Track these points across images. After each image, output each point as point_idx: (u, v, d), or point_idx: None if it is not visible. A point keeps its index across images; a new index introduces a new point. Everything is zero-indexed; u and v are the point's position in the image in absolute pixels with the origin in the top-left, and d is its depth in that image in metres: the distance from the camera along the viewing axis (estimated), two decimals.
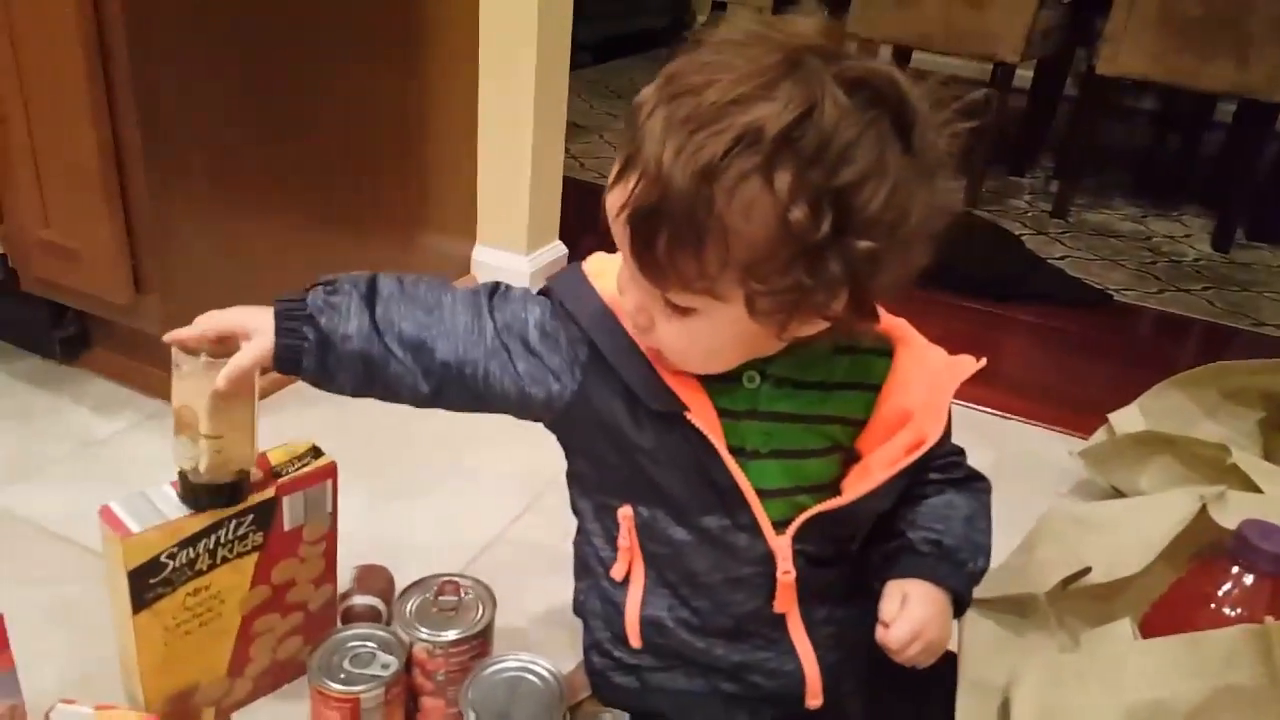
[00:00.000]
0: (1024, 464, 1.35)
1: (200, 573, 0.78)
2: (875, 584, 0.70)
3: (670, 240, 0.55)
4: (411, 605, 0.84)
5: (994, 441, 1.40)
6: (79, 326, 1.35)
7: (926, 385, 0.68)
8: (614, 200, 0.58)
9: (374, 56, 1.41)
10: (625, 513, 0.71)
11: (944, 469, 0.73)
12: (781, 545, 0.68)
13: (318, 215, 1.39)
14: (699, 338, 0.61)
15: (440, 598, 0.85)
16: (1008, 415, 1.48)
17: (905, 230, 0.56)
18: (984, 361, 0.69)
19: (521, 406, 0.70)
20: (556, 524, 1.14)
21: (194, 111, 1.15)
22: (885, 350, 0.69)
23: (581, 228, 1.88)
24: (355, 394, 0.71)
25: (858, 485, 0.68)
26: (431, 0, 1.47)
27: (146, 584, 0.75)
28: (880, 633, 0.67)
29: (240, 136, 1.23)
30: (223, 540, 0.78)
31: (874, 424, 0.69)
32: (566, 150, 1.76)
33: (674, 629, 0.73)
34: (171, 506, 0.76)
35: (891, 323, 0.70)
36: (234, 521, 0.78)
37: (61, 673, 0.86)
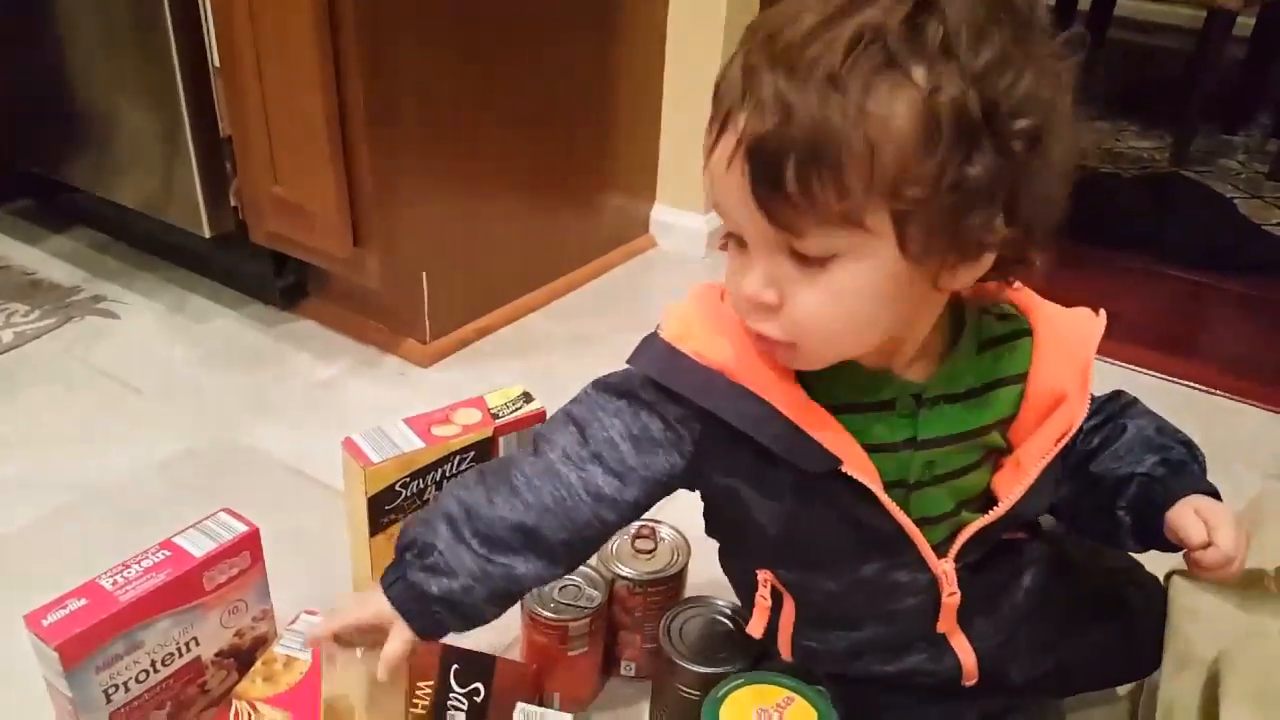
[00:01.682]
0: (1234, 444, 1.28)
1: (427, 502, 0.85)
2: (1129, 541, 0.68)
3: (801, 166, 0.49)
4: (613, 545, 0.89)
5: (1201, 420, 1.31)
6: (298, 276, 1.47)
7: (1067, 359, 0.63)
8: (719, 156, 0.53)
9: (572, 21, 1.45)
10: (764, 576, 0.68)
11: (1106, 407, 0.71)
12: (946, 569, 0.64)
13: (514, 175, 1.46)
14: (844, 297, 0.53)
15: (638, 540, 0.90)
16: (1214, 391, 1.40)
17: (1055, 117, 0.51)
18: (1103, 314, 0.65)
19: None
20: None
21: (412, 78, 1.23)
22: (1024, 329, 0.64)
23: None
24: (513, 604, 0.68)
25: (1012, 487, 0.64)
26: None
27: (382, 509, 0.82)
28: (1201, 556, 0.63)
29: (450, 101, 1.30)
30: (448, 474, 0.84)
31: (1025, 413, 0.64)
32: None
33: (827, 656, 0.71)
34: (406, 441, 0.82)
35: (1020, 293, 0.65)
36: (458, 457, 0.84)
37: (298, 590, 0.94)
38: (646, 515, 0.91)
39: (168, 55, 1.24)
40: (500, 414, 0.87)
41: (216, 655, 0.80)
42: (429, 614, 0.63)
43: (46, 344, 1.36)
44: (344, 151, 1.21)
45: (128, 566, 0.73)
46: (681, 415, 0.62)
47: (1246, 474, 1.18)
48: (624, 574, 0.86)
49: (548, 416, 0.90)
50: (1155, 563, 0.76)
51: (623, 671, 0.90)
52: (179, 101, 1.26)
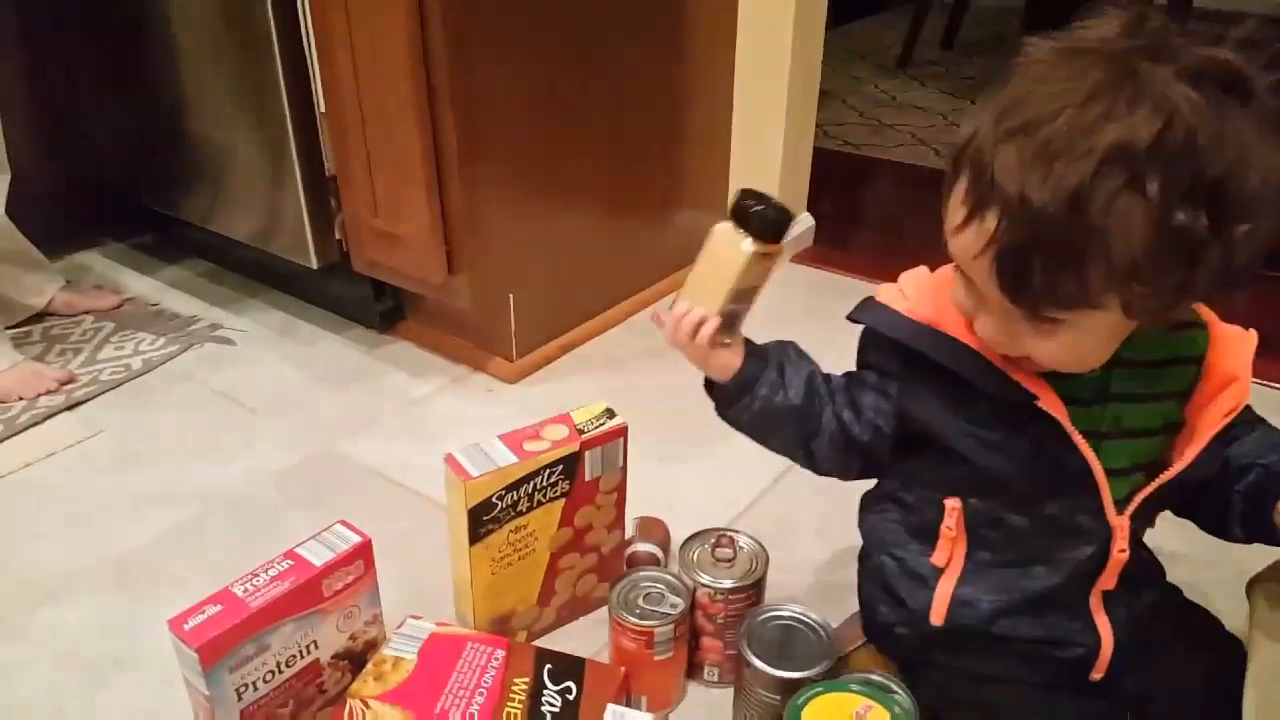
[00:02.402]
0: None
1: (520, 513, 0.91)
2: (1236, 529, 0.74)
3: (1046, 269, 0.57)
4: (694, 554, 0.94)
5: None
6: (395, 301, 1.56)
7: (1235, 351, 0.71)
8: (967, 242, 0.60)
9: (643, 44, 1.51)
10: (953, 504, 0.75)
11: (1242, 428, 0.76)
12: (1122, 524, 0.71)
13: (592, 196, 1.53)
14: (1075, 348, 0.63)
15: (718, 549, 0.95)
16: None
17: (1277, 202, 0.57)
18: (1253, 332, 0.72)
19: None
20: (812, 485, 1.21)
21: (497, 115, 1.31)
22: (1200, 322, 0.72)
23: (828, 197, 1.91)
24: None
25: (1187, 451, 0.70)
26: None
27: (480, 520, 0.89)
28: None
29: (530, 132, 1.37)
30: (538, 486, 0.91)
31: (1201, 392, 0.71)
32: None
33: (986, 608, 0.76)
34: (501, 456, 0.89)
35: None
36: (548, 470, 0.91)
37: (401, 595, 1.02)
38: (725, 525, 0.98)
39: (279, 102, 1.35)
40: (586, 429, 0.94)
41: (333, 657, 0.88)
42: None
43: (172, 368, 1.48)
44: (438, 185, 1.30)
45: (256, 575, 0.81)
46: (885, 361, 0.74)
47: None
48: (705, 582, 0.91)
49: (628, 432, 0.97)
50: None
51: (706, 676, 0.96)
52: (289, 144, 1.37)
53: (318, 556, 0.83)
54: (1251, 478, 0.73)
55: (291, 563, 0.82)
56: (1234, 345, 0.71)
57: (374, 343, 1.56)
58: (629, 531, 1.06)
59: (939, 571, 0.78)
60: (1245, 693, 0.71)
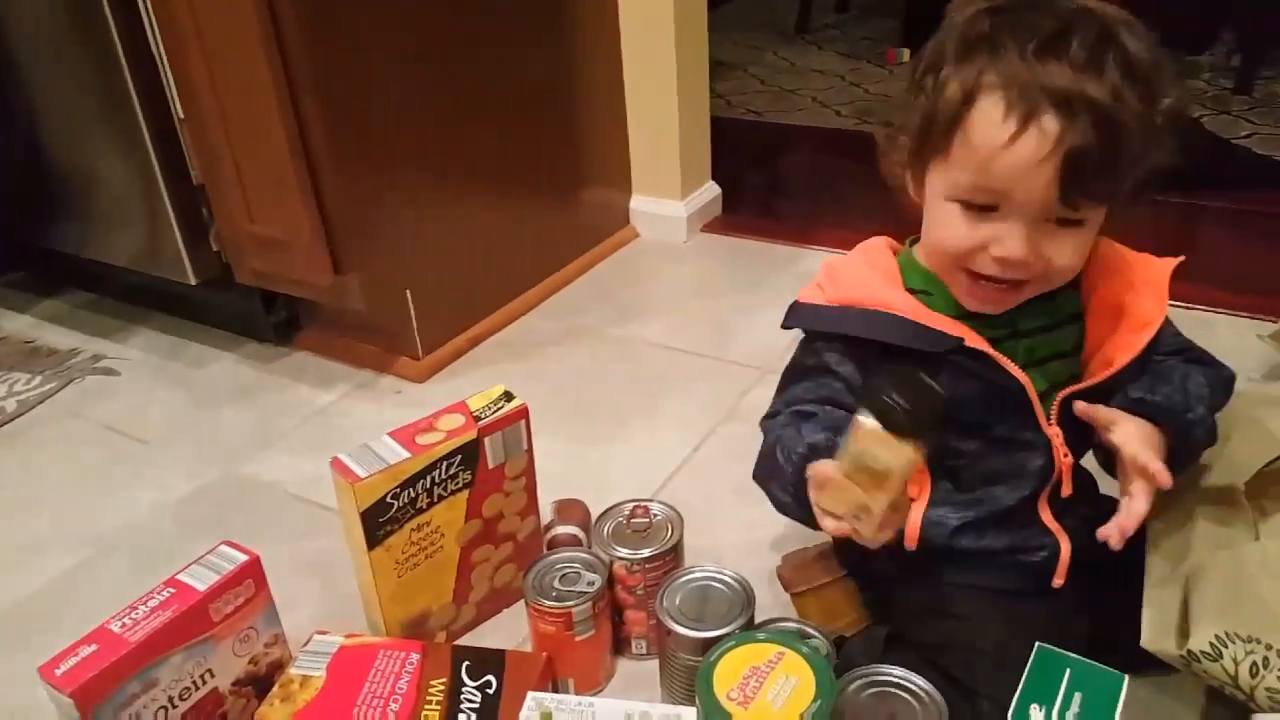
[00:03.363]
0: (1218, 354, 1.29)
1: (421, 510, 0.87)
2: (1098, 456, 0.80)
3: (1108, 168, 0.66)
4: (608, 528, 0.92)
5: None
6: (289, 311, 1.50)
7: (1124, 274, 0.78)
8: (1026, 152, 0.65)
9: (524, 28, 1.48)
10: None
11: (1177, 352, 0.82)
12: (1056, 432, 0.77)
13: (489, 184, 1.49)
14: (1084, 245, 0.72)
15: (633, 520, 0.92)
16: (1192, 305, 1.42)
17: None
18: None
19: None
20: (734, 450, 1.20)
21: (371, 101, 1.26)
22: None
23: (734, 165, 1.90)
24: None
25: (1101, 371, 0.77)
26: None
27: (377, 523, 0.85)
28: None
29: (412, 119, 1.33)
30: (437, 480, 0.87)
31: (1092, 314, 0.79)
32: (713, 89, 1.78)
33: (954, 524, 0.79)
34: (391, 453, 0.85)
35: None
36: (445, 462, 0.87)
37: (313, 612, 0.98)
38: (638, 496, 0.96)
39: (132, 114, 1.28)
40: (482, 415, 0.90)
41: (234, 684, 0.83)
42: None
43: (50, 408, 1.40)
44: (313, 181, 1.24)
45: (134, 608, 0.76)
46: (836, 347, 0.78)
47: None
48: (621, 554, 0.88)
49: (536, 414, 0.94)
50: None
51: (634, 650, 0.93)
52: (149, 157, 1.30)
53: (201, 581, 0.78)
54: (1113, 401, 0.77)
55: (173, 590, 0.77)
56: (1116, 265, 0.79)
57: (271, 357, 1.49)
58: (547, 515, 1.03)
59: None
60: (1144, 602, 0.74)
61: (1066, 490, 0.80)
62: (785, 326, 0.82)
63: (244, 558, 0.81)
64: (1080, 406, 0.76)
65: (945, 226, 0.72)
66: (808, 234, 1.70)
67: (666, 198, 1.77)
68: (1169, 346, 0.81)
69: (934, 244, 0.75)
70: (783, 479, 0.75)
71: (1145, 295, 0.78)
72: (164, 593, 0.77)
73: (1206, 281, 1.49)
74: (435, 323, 1.42)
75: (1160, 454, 0.72)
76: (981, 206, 0.70)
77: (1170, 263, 0.79)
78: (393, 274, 1.35)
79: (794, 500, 0.74)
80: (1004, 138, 0.66)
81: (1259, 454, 0.80)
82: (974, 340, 0.74)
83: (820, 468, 0.67)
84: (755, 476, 0.81)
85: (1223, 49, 2.58)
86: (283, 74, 1.17)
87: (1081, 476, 0.82)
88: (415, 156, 1.34)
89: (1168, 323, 0.80)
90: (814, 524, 0.71)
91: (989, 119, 0.67)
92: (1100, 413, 0.75)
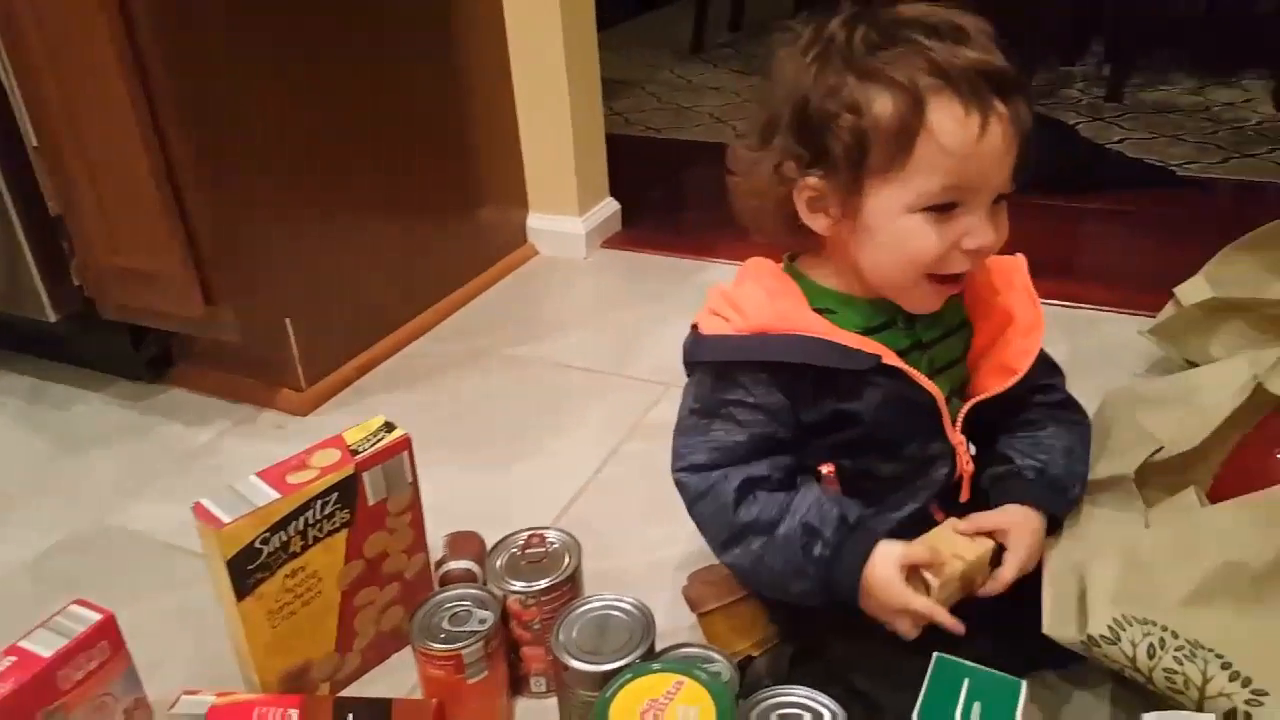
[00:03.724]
0: (1098, 351, 1.33)
1: (295, 554, 0.82)
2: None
3: (1026, 139, 0.68)
4: (501, 561, 0.87)
5: (1067, 333, 1.37)
6: (160, 346, 1.42)
7: (1000, 280, 0.80)
8: (996, 140, 0.66)
9: (409, 45, 1.44)
10: (828, 470, 0.78)
11: (1047, 394, 0.83)
12: (960, 439, 0.78)
13: (376, 205, 1.43)
14: (1006, 215, 0.72)
15: (527, 550, 0.88)
16: (1079, 305, 1.45)
17: None
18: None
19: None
20: (639, 468, 1.18)
21: (240, 123, 1.19)
22: None
23: (633, 181, 1.89)
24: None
25: (1005, 379, 0.77)
26: None
27: (245, 570, 0.79)
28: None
29: (292, 140, 1.27)
30: (311, 521, 0.82)
31: (976, 319, 0.80)
32: (610, 107, 1.76)
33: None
34: (259, 495, 0.80)
35: None
36: (320, 501, 0.82)
37: (187, 669, 0.92)
38: (539, 524, 0.92)
39: None
40: (360, 449, 0.85)
41: None
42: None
43: None
44: (179, 208, 1.17)
45: None
46: (762, 379, 0.74)
47: (1115, 376, 1.23)
48: (515, 589, 0.84)
49: (414, 443, 0.89)
50: None
51: (534, 689, 0.88)
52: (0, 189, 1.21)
53: (47, 646, 0.71)
54: (1001, 469, 0.80)
55: (14, 659, 0.70)
56: (1002, 270, 0.80)
57: (142, 395, 1.41)
58: (440, 551, 0.98)
59: None
60: (1043, 591, 0.75)
61: (965, 496, 0.80)
62: (696, 361, 0.78)
63: (97, 617, 0.75)
64: (971, 524, 0.76)
65: (913, 239, 0.69)
66: (708, 247, 1.69)
67: (564, 214, 1.74)
68: (1040, 366, 0.81)
69: (901, 261, 0.72)
70: (808, 586, 0.74)
71: (1021, 298, 0.79)
72: (4, 661, 0.70)
73: (1090, 280, 1.54)
74: (319, 352, 1.35)
75: (1041, 532, 0.77)
76: (944, 207, 0.69)
77: (1021, 261, 0.81)
78: (270, 302, 1.28)
79: (818, 584, 0.73)
80: (974, 132, 0.65)
81: (1141, 447, 0.81)
82: (890, 357, 0.73)
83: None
84: (737, 568, 0.78)
85: (1093, 59, 2.69)
86: (143, 96, 1.11)
87: (977, 482, 0.82)
88: (292, 179, 1.28)
89: None
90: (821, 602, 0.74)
91: (951, 118, 0.65)
92: (989, 522, 0.76)
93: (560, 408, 1.33)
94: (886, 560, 0.72)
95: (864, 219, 0.71)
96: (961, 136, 0.65)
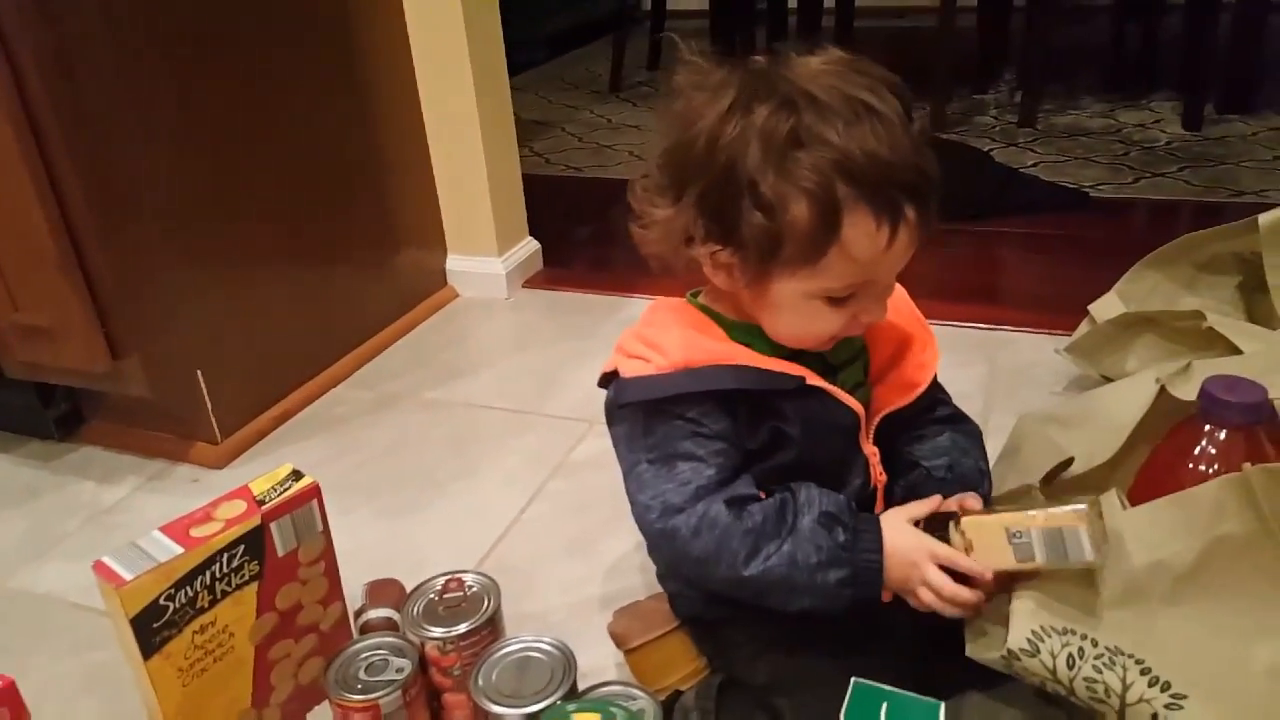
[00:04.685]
0: (1017, 371, 1.35)
1: (203, 610, 0.79)
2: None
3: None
4: (418, 607, 0.85)
5: (986, 355, 1.40)
6: (70, 403, 1.37)
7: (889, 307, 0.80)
8: (903, 246, 0.68)
9: (314, 89, 1.42)
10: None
11: (937, 409, 0.86)
12: (873, 450, 0.80)
13: (286, 252, 1.41)
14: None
15: (445, 595, 0.86)
16: (997, 327, 1.48)
17: None
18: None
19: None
20: (563, 506, 1.16)
21: (139, 173, 1.17)
22: None
23: (554, 220, 1.89)
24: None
25: (909, 393, 0.80)
26: (360, 29, 1.48)
27: (151, 629, 0.76)
28: None
29: (195, 189, 1.24)
30: (218, 575, 0.79)
31: (871, 343, 0.82)
32: (530, 148, 1.75)
33: None
34: (162, 550, 0.77)
35: None
36: (225, 555, 0.79)
37: None
38: (462, 567, 0.90)
39: None
40: (267, 499, 0.82)
41: None
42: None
43: None
44: (79, 261, 1.14)
45: None
46: (706, 407, 0.74)
47: (1033, 396, 1.25)
48: (433, 635, 0.82)
49: (321, 490, 0.87)
50: None
51: None
52: None
53: None
54: (913, 475, 0.83)
55: None
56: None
57: (52, 454, 1.36)
58: (359, 600, 0.95)
59: None
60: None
61: (879, 507, 0.81)
62: (625, 404, 0.76)
63: None
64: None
65: (812, 321, 0.72)
66: (630, 283, 1.69)
67: (484, 255, 1.73)
68: (933, 383, 0.84)
69: (799, 336, 0.75)
70: (834, 549, 0.72)
71: (910, 321, 0.83)
72: None
73: (1007, 302, 1.57)
74: (233, 403, 1.32)
75: None
76: (842, 298, 0.71)
77: (900, 288, 0.82)
78: (180, 354, 1.25)
79: (849, 569, 0.72)
80: (883, 244, 0.67)
81: (1047, 460, 0.82)
82: (813, 378, 0.75)
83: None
84: (769, 586, 0.73)
85: (1005, 86, 2.77)
86: (34, 147, 1.08)
87: (891, 493, 0.83)
88: (197, 227, 1.25)
89: None
90: (873, 596, 0.73)
91: (863, 233, 0.66)
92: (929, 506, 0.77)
93: (482, 449, 1.31)
94: (895, 521, 0.73)
95: (770, 296, 0.72)
96: (870, 249, 0.67)
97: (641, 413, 0.75)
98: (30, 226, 1.11)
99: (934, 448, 0.84)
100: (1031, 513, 0.69)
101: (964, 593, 0.71)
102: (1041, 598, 0.70)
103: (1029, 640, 0.71)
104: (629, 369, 0.76)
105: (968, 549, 0.71)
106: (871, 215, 0.66)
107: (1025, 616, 0.70)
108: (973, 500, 0.75)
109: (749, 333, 0.77)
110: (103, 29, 1.10)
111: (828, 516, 0.73)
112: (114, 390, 1.26)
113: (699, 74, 0.72)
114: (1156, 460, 0.78)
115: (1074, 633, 0.70)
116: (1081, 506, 0.67)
